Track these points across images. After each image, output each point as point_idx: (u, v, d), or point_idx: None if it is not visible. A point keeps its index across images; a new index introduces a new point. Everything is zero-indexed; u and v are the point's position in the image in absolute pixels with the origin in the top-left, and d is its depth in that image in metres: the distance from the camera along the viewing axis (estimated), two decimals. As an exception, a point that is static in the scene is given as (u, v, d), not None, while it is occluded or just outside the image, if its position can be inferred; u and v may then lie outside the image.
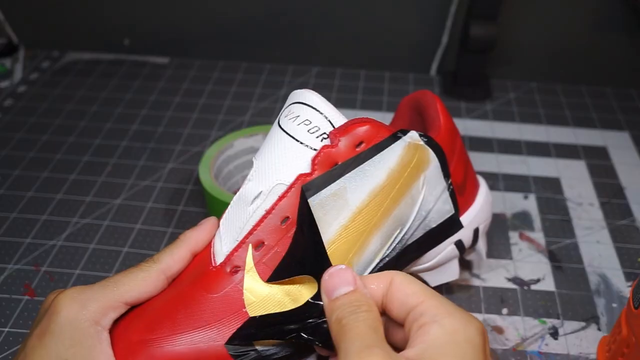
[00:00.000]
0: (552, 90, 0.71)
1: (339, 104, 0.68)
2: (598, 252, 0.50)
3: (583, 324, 0.44)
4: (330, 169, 0.32)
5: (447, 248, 0.39)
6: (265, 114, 0.66)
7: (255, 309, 0.31)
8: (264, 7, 0.71)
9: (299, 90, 0.35)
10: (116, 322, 0.32)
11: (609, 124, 0.66)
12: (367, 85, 0.72)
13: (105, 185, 0.56)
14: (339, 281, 0.28)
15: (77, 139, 0.62)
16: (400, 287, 0.28)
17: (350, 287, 0.28)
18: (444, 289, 0.46)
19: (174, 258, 0.33)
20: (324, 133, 0.33)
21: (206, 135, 0.63)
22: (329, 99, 0.69)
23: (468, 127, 0.65)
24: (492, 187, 0.56)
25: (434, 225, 0.37)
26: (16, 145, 0.61)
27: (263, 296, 0.31)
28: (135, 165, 0.59)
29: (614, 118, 0.67)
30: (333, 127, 0.33)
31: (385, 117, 0.66)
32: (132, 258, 0.48)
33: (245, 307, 0.31)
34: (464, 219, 0.40)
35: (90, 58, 0.77)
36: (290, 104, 0.35)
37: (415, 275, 0.41)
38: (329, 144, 0.33)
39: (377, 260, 0.34)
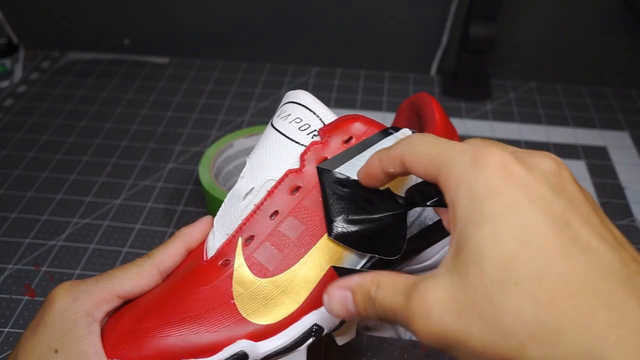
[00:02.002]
0: (552, 90, 0.71)
1: (339, 104, 0.68)
2: (598, 252, 0.50)
3: (583, 324, 0.44)
4: (319, 164, 0.33)
5: (445, 247, 0.39)
6: (265, 114, 0.66)
7: (243, 301, 0.31)
8: (263, 7, 0.71)
9: (292, 91, 0.36)
10: (110, 316, 0.32)
11: (609, 124, 0.66)
12: (367, 85, 0.72)
13: (105, 185, 0.56)
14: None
15: (77, 139, 0.62)
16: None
17: None
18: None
19: (167, 253, 0.34)
20: (315, 130, 0.34)
21: (206, 135, 0.63)
22: (328, 99, 0.69)
23: (468, 127, 0.65)
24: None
25: (430, 223, 0.37)
26: (16, 145, 0.61)
27: (252, 289, 0.32)
28: (135, 165, 0.59)
29: (614, 118, 0.67)
30: (323, 124, 0.34)
31: (385, 117, 0.66)
32: (132, 258, 0.48)
33: (233, 299, 0.31)
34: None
35: (90, 58, 0.77)
36: (283, 104, 0.36)
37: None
38: (319, 140, 0.33)
39: (369, 255, 0.34)
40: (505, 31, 0.69)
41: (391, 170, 0.27)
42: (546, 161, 0.23)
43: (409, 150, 0.26)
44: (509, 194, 0.22)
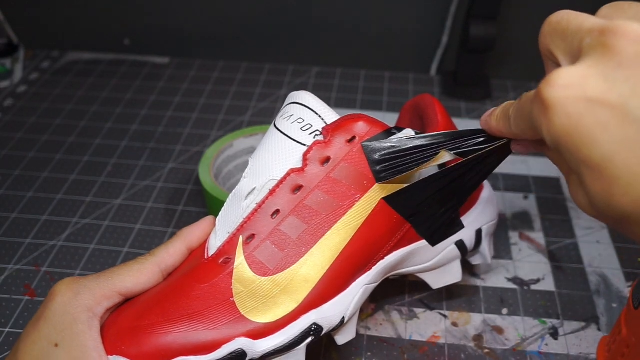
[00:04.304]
0: (552, 90, 0.71)
1: (339, 104, 0.68)
2: (598, 252, 0.50)
3: (583, 324, 0.44)
4: (321, 164, 0.33)
5: (447, 248, 0.39)
6: (265, 114, 0.66)
7: (243, 299, 0.32)
8: (263, 7, 0.71)
9: (294, 92, 0.36)
10: (111, 312, 0.33)
11: (609, 124, 0.66)
12: (367, 85, 0.72)
13: (105, 185, 0.56)
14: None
15: (77, 139, 0.62)
16: None
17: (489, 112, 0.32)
18: (445, 288, 0.46)
19: (169, 252, 0.34)
20: (317, 130, 0.34)
21: (206, 135, 0.63)
22: (329, 99, 0.69)
23: (468, 127, 0.64)
24: (492, 187, 0.56)
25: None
26: (16, 145, 0.61)
27: (252, 287, 0.32)
28: (135, 165, 0.59)
29: (614, 118, 0.67)
30: (326, 124, 0.34)
31: (386, 117, 0.66)
32: (132, 258, 0.48)
33: (233, 297, 0.32)
34: (465, 219, 0.40)
35: (90, 58, 0.77)
36: (286, 105, 0.36)
37: (415, 276, 0.41)
38: (322, 140, 0.33)
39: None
40: (505, 31, 0.69)
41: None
42: None
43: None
44: None
